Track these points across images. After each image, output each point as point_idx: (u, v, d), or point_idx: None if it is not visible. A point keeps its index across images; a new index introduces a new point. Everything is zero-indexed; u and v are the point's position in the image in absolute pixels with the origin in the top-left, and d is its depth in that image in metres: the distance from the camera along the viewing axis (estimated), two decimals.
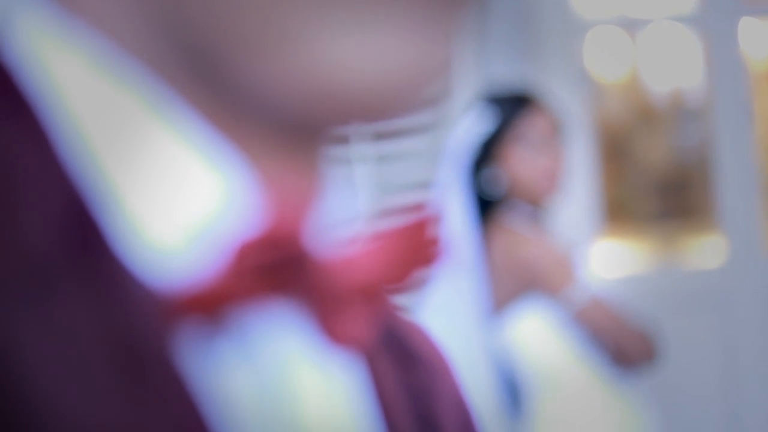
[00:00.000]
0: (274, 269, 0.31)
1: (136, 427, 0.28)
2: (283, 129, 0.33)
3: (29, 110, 0.30)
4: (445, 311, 1.75)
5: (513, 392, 1.75)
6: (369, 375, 0.39)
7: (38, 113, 0.30)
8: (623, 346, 1.70)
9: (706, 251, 2.94)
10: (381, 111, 0.33)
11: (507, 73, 2.46)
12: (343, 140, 0.36)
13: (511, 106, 1.83)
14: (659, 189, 3.06)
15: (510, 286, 1.75)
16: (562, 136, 1.86)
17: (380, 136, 2.32)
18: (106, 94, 0.31)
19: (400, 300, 0.49)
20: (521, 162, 1.80)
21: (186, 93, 0.32)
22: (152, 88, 0.32)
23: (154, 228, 0.31)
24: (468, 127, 1.86)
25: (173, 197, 0.31)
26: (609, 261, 2.84)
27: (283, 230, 0.31)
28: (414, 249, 0.37)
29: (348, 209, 0.39)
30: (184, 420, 0.29)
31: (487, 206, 1.80)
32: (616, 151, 3.02)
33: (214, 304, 0.30)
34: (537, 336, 1.75)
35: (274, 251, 0.31)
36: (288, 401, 0.34)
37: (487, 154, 1.81)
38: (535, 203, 1.82)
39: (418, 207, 0.37)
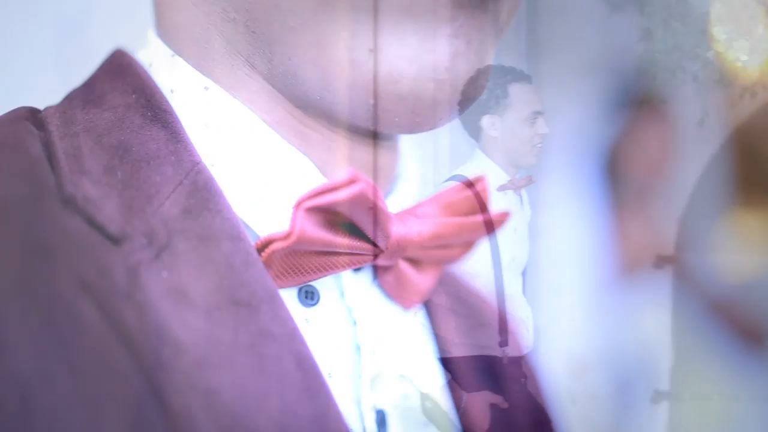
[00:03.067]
0: (338, 216, 0.35)
1: (250, 357, 0.32)
2: (338, 125, 0.37)
3: (163, 108, 0.37)
4: (569, 282, 1.73)
5: (628, 369, 1.73)
6: (434, 327, 0.42)
7: (166, 110, 0.37)
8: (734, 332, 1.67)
9: None
10: (426, 117, 0.36)
11: (627, 48, 2.40)
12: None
13: (628, 107, 1.80)
14: None
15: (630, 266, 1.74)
16: (678, 133, 1.83)
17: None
18: (204, 94, 0.38)
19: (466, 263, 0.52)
20: (634, 154, 1.78)
21: (258, 89, 0.37)
22: (236, 86, 0.38)
23: (250, 193, 0.36)
24: (581, 115, 1.84)
25: (261, 169, 0.37)
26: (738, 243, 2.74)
27: (343, 186, 0.34)
28: (466, 214, 0.40)
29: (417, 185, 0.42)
30: (290, 352, 0.33)
31: (605, 189, 1.80)
32: (750, 144, 2.90)
33: (295, 248, 0.34)
34: (652, 315, 1.73)
35: (331, 198, 0.34)
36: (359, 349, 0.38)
37: (604, 144, 1.80)
38: (649, 189, 1.80)
39: (475, 180, 0.40)
